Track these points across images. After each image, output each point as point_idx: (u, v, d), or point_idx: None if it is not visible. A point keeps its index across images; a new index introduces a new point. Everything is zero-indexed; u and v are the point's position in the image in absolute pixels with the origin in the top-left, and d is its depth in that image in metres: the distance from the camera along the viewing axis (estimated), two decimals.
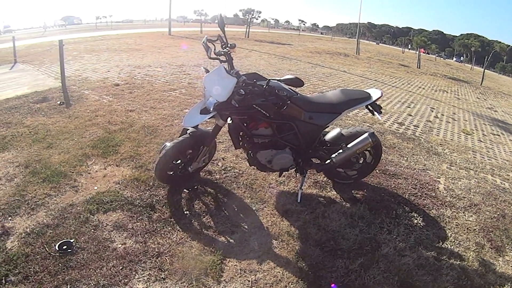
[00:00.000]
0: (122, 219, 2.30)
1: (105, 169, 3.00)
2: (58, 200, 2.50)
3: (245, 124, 2.45)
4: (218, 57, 2.41)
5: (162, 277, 1.84)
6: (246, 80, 2.25)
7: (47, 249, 1.99)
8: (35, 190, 2.59)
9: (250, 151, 2.57)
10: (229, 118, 2.44)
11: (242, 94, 2.23)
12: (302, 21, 56.96)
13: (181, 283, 1.82)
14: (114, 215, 2.34)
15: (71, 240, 2.05)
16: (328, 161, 2.67)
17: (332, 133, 2.79)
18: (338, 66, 12.31)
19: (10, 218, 2.27)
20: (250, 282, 1.88)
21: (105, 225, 2.24)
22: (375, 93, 2.69)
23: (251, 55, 12.39)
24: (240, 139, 2.55)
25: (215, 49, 2.42)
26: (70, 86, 5.61)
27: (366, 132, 2.68)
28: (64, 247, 2.00)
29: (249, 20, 26.25)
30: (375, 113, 2.70)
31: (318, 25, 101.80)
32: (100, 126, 3.93)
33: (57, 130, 3.76)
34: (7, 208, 2.36)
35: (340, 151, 2.65)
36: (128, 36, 17.67)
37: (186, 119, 2.36)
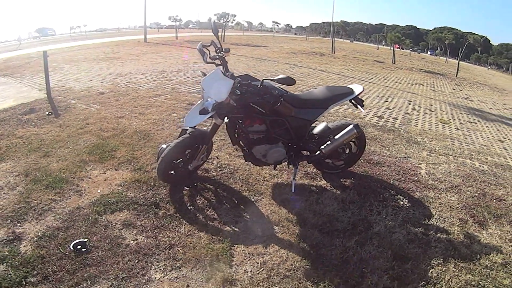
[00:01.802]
0: (129, 218, 2.41)
1: (105, 173, 3.08)
2: (64, 204, 2.57)
3: (240, 122, 2.63)
4: (214, 61, 2.58)
5: (178, 266, 1.98)
6: (241, 81, 2.43)
7: (61, 250, 2.07)
8: (40, 196, 2.65)
9: (245, 147, 2.75)
10: (225, 117, 2.61)
11: (238, 94, 2.41)
12: (276, 23, 57.73)
13: (196, 269, 1.96)
14: (121, 215, 2.45)
15: (85, 240, 2.15)
16: (318, 152, 2.89)
17: (319, 126, 3.01)
18: (315, 66, 12.68)
19: (19, 224, 2.33)
20: (259, 264, 2.05)
21: (114, 224, 2.35)
22: (357, 88, 2.94)
23: (229, 59, 12.25)
24: (237, 136, 2.72)
25: (209, 54, 2.59)
26: (55, 97, 5.59)
27: (350, 124, 2.91)
28: (79, 246, 2.09)
29: (224, 24, 26.44)
30: (358, 106, 2.95)
31: (291, 26, 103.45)
32: (93, 133, 3.99)
33: (50, 139, 3.79)
34: (15, 215, 2.41)
35: (328, 142, 2.87)
36: (104, 45, 17.43)
37: (186, 120, 2.52)
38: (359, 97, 2.97)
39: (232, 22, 28.96)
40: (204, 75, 2.53)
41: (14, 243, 2.15)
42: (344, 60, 16.66)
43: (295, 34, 77.58)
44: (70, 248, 2.08)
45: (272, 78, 2.40)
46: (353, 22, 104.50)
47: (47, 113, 4.71)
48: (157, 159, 2.91)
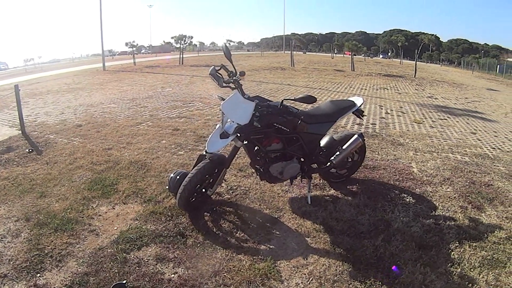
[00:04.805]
0: (160, 252, 2.33)
1: (114, 208, 2.95)
2: (82, 247, 2.41)
3: (259, 142, 2.70)
4: (229, 84, 2.64)
5: None
6: (259, 103, 2.52)
7: None
8: (52, 241, 2.45)
9: (261, 167, 2.80)
10: (244, 140, 2.66)
11: (257, 116, 2.49)
12: (230, 41, 58.72)
13: None
14: (150, 250, 2.36)
15: (124, 282, 2.03)
16: (329, 163, 3.03)
17: (325, 139, 3.17)
18: (281, 80, 13.02)
19: (38, 275, 2.13)
20: (307, 275, 2.11)
21: (146, 260, 2.25)
22: (358, 101, 3.18)
23: (195, 81, 12.49)
24: (255, 157, 2.77)
25: (223, 78, 2.65)
26: (30, 133, 5.24)
27: (355, 134, 3.11)
28: None
29: (182, 47, 26.37)
30: (361, 116, 3.21)
31: (243, 43, 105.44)
32: (86, 168, 3.80)
33: (41, 178, 3.54)
34: (30, 265, 2.20)
35: (337, 153, 3.03)
36: (63, 76, 16.57)
37: (209, 146, 2.53)
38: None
39: (189, 44, 28.95)
40: (222, 99, 2.58)
41: None
42: (306, 72, 17.30)
43: (248, 50, 78.97)
44: None
45: (292, 98, 2.51)
46: (303, 33, 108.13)
47: (27, 150, 4.40)
48: (168, 188, 2.87)
